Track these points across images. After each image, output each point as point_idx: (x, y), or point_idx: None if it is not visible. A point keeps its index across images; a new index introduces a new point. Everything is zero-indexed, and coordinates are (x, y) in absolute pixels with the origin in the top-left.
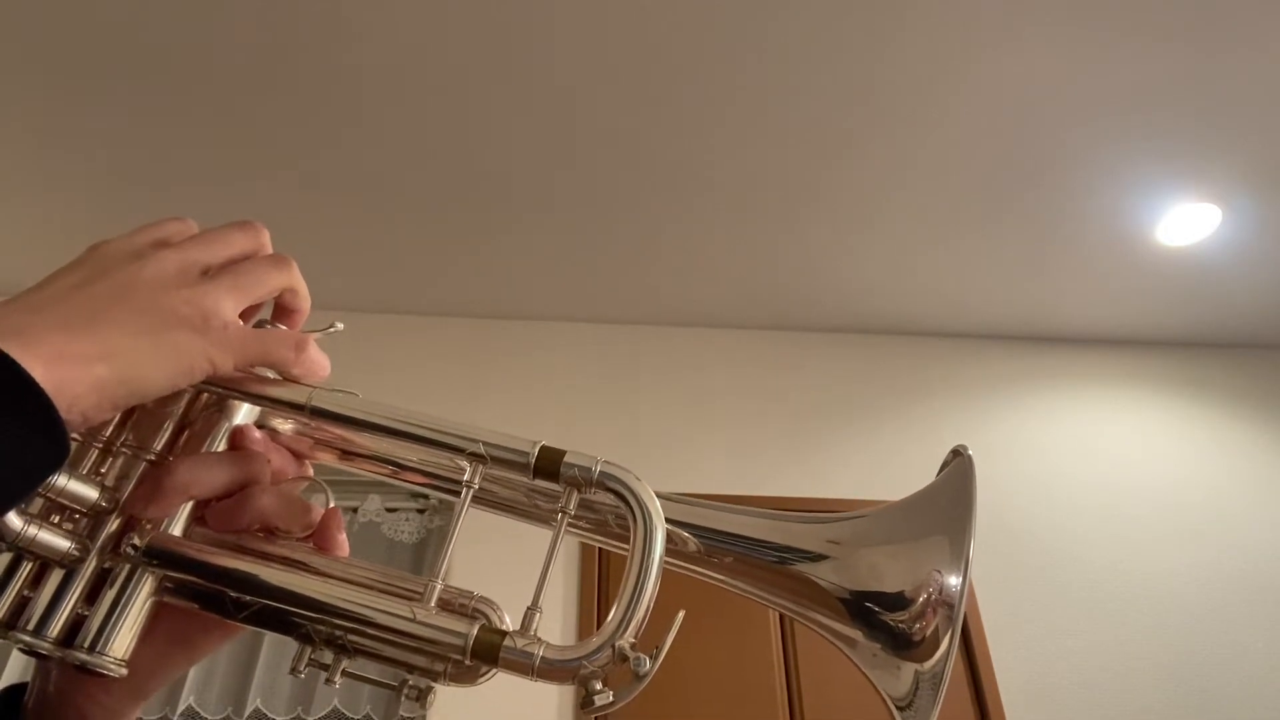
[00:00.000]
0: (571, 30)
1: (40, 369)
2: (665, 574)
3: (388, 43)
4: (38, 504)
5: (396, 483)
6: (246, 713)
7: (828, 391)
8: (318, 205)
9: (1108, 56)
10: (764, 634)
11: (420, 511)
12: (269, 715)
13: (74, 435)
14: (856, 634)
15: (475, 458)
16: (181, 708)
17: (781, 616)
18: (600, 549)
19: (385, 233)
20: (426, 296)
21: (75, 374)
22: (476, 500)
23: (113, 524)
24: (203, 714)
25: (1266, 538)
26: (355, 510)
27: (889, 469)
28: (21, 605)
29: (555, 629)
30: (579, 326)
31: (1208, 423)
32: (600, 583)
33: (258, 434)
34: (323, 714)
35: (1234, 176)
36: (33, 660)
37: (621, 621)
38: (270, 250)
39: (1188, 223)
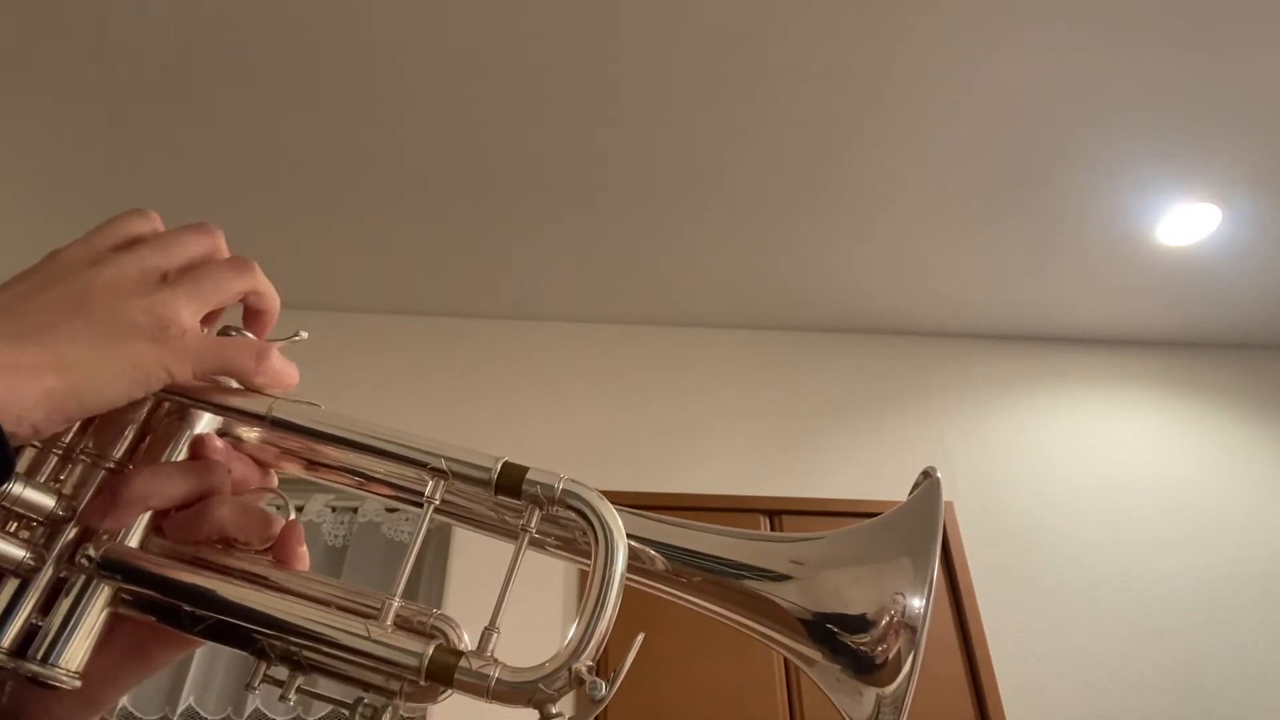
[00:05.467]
0: (576, 32)
1: None
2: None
3: (392, 42)
4: None
5: (364, 494)
6: (246, 713)
7: (828, 391)
8: (320, 206)
9: (1108, 57)
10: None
11: None
12: (269, 716)
13: (32, 443)
14: (818, 655)
15: (437, 473)
16: (181, 708)
17: None
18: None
19: (387, 234)
20: (428, 297)
21: (24, 387)
22: (444, 514)
23: (69, 533)
24: (202, 714)
25: (1267, 537)
26: (355, 510)
27: (888, 469)
28: None
29: (551, 651)
30: (579, 327)
31: (1208, 423)
32: None
33: (219, 443)
34: (322, 714)
35: (1234, 176)
36: None
37: (580, 642)
38: (226, 252)
39: (1188, 223)
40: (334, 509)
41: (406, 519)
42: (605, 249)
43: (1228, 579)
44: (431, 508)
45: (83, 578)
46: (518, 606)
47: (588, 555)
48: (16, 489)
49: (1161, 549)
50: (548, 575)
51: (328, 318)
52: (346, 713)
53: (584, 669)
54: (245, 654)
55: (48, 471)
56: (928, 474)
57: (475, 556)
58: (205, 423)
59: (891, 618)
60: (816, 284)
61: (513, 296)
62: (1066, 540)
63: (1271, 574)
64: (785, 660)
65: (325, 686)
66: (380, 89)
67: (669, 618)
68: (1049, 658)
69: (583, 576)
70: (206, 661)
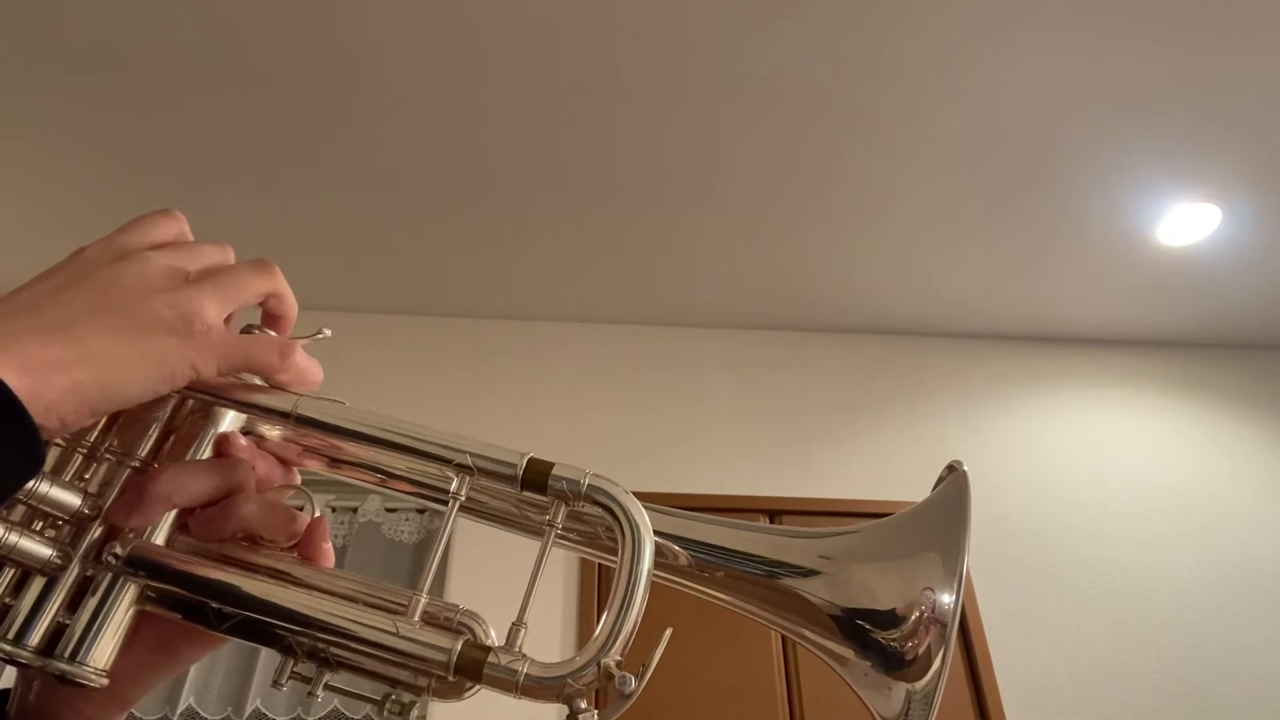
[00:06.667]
0: (576, 32)
1: (14, 375)
2: (662, 588)
3: (393, 42)
4: (19, 511)
5: (386, 491)
6: (246, 713)
7: (828, 391)
8: (320, 205)
9: (1108, 56)
10: (765, 641)
11: (420, 512)
12: (269, 716)
13: (57, 441)
14: (848, 652)
15: (462, 469)
16: (181, 708)
17: None
18: (600, 563)
19: (387, 234)
20: (429, 297)
21: (51, 380)
22: (467, 511)
23: (95, 532)
24: (203, 714)
25: (1266, 538)
26: (355, 510)
27: (889, 469)
28: (2, 613)
29: (555, 643)
30: (579, 327)
31: (1208, 423)
32: (600, 596)
33: (243, 441)
34: (322, 714)
35: (1234, 176)
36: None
37: (609, 637)
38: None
39: (1188, 223)
40: (334, 509)
41: (406, 519)
42: (605, 249)
43: (1228, 577)
44: (457, 504)
45: (109, 576)
46: (517, 602)
47: (609, 550)
48: (43, 487)
49: (1161, 548)
50: (549, 570)
51: (326, 318)
52: (373, 709)
53: (613, 663)
54: (274, 651)
55: (73, 470)
56: (953, 468)
57: (475, 557)
58: (229, 421)
59: (921, 613)
60: (816, 284)
61: (513, 296)
62: (1066, 540)
63: (1272, 574)
64: (784, 657)
65: (352, 683)
66: (380, 89)
67: (669, 614)
68: (1049, 657)
69: (584, 569)
70: (206, 662)
